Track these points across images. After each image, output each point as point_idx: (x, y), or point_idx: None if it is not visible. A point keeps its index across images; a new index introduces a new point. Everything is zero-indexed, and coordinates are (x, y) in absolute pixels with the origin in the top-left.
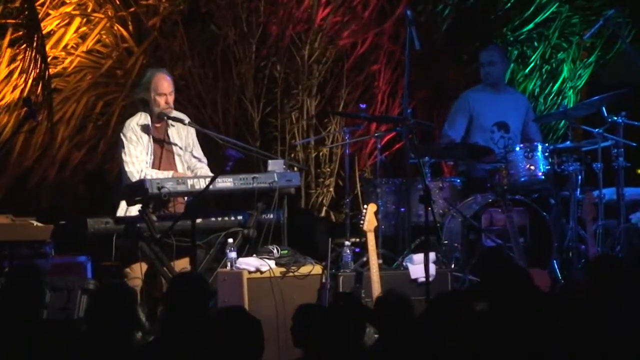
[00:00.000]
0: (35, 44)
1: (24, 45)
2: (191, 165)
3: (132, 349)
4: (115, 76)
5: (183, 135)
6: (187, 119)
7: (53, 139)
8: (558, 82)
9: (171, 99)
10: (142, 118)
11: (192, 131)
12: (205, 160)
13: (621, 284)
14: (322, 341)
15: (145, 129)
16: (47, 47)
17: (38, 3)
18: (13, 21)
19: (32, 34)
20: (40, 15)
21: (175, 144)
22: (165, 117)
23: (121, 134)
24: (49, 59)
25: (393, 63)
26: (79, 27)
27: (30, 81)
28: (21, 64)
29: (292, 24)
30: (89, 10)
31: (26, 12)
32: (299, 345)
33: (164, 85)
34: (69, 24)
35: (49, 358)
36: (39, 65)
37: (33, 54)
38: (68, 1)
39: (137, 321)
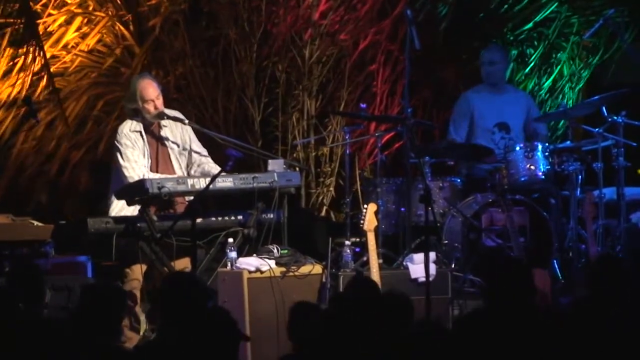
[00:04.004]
0: (34, 43)
1: (24, 45)
2: (196, 161)
3: (116, 349)
4: (116, 75)
5: (178, 134)
6: (185, 120)
7: (53, 139)
8: (550, 78)
9: (159, 102)
10: (134, 124)
11: (187, 127)
12: (205, 152)
13: (622, 283)
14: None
15: (138, 133)
16: (47, 46)
17: (41, 3)
18: (12, 20)
19: (30, 33)
20: (43, 17)
21: (171, 144)
22: (165, 117)
23: (115, 141)
24: (49, 58)
25: (391, 62)
26: (79, 27)
27: (28, 79)
28: (21, 63)
29: (293, 23)
30: (90, 9)
31: (22, 11)
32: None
33: (149, 91)
34: (69, 23)
35: (49, 357)
36: (39, 64)
37: (34, 52)
38: (70, 1)
39: (119, 323)
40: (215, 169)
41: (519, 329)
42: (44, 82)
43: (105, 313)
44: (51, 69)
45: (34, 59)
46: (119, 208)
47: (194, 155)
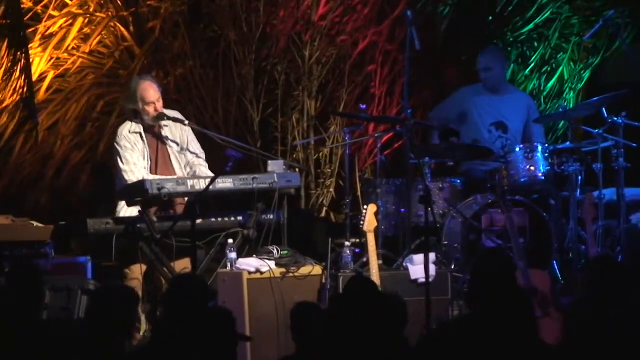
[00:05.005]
0: (20, 49)
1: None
2: (190, 162)
3: (130, 350)
4: (116, 76)
5: (178, 133)
6: (185, 121)
7: (53, 140)
8: (552, 80)
9: (159, 105)
10: (134, 125)
11: (187, 127)
12: (202, 154)
13: (621, 284)
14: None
15: (138, 135)
16: (50, 48)
17: (42, 4)
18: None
19: (16, 38)
20: (44, 18)
21: (171, 143)
22: (165, 117)
23: (115, 143)
24: (51, 60)
25: (389, 62)
26: (81, 28)
27: (15, 82)
28: (19, 65)
29: (293, 25)
30: (91, 10)
31: (10, 13)
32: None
33: (150, 93)
34: (71, 25)
35: (48, 358)
36: (23, 68)
37: (20, 55)
38: (70, 2)
39: (135, 323)
40: (205, 173)
41: (510, 331)
42: (45, 85)
43: (121, 314)
44: (52, 71)
45: (19, 62)
46: (127, 210)
47: (189, 156)
